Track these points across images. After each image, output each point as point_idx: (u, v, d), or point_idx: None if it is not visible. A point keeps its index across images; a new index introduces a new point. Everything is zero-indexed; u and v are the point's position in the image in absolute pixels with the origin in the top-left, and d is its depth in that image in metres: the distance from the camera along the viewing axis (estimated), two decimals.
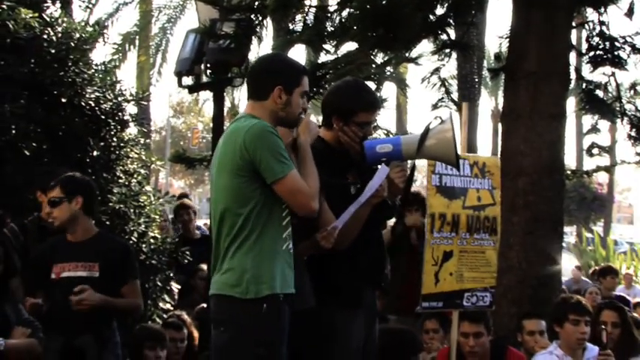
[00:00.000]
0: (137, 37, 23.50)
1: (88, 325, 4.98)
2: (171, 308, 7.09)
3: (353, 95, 4.44)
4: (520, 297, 7.26)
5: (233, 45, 7.87)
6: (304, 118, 4.18)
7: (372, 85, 9.61)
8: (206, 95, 32.28)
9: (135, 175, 7.25)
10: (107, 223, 6.39)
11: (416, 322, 6.83)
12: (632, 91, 9.72)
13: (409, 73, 34.30)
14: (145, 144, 8.00)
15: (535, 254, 7.34)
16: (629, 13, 8.06)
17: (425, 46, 18.86)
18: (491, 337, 6.06)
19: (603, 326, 5.93)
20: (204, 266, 8.25)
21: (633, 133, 8.54)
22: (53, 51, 6.66)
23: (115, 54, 21.39)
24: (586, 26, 8.35)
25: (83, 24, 7.49)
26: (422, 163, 5.52)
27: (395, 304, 7.19)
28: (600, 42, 8.21)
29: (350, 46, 8.67)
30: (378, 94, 10.81)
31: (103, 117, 6.90)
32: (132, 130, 7.54)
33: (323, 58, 9.34)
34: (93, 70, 7.06)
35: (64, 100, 6.59)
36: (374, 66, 9.26)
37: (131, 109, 7.40)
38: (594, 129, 11.00)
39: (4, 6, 6.47)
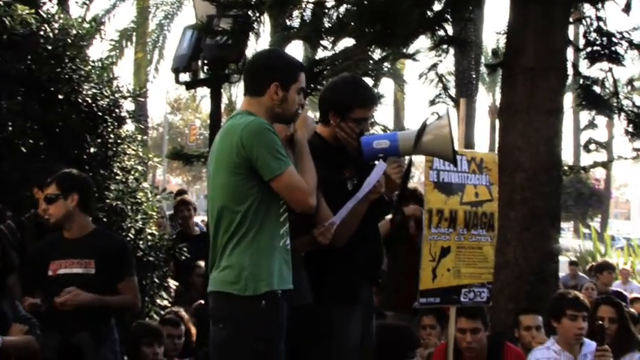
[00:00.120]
0: (134, 33, 23.49)
1: (86, 322, 4.97)
2: (169, 305, 7.08)
3: (350, 91, 4.44)
4: (517, 293, 7.27)
5: (230, 41, 7.87)
6: (301, 114, 4.18)
7: (369, 81, 9.59)
8: (203, 91, 32.19)
9: (132, 172, 7.24)
10: (104, 219, 6.38)
11: (413, 318, 6.84)
12: (629, 87, 9.74)
13: (407, 69, 34.35)
14: (142, 140, 7.98)
15: (532, 250, 7.34)
16: (627, 8, 8.06)
17: (422, 42, 18.84)
18: (489, 332, 6.06)
19: (601, 322, 5.93)
20: (202, 263, 8.26)
21: (630, 129, 8.54)
22: (50, 47, 6.65)
23: (112, 50, 21.34)
24: (583, 22, 8.34)
25: (80, 20, 7.47)
26: (420, 159, 5.51)
27: (392, 298, 7.19)
28: (597, 37, 8.21)
29: (347, 42, 8.67)
30: (376, 90, 10.79)
31: (100, 113, 6.89)
32: (129, 126, 7.53)
33: (320, 54, 9.37)
34: (90, 67, 7.05)
35: (60, 96, 6.59)
36: (371, 62, 9.26)
37: (128, 105, 7.39)
38: (591, 125, 11.07)
39: (0, 2, 6.46)
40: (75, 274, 5.01)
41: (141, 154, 7.50)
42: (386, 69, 14.89)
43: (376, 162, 4.27)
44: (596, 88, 8.60)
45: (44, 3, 7.27)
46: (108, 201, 6.52)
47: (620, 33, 8.14)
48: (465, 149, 6.33)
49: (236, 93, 35.99)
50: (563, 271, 12.48)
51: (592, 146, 10.34)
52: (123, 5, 23.88)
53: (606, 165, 16.46)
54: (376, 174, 4.22)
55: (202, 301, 7.40)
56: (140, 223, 6.86)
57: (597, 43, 8.22)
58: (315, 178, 4.01)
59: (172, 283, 7.34)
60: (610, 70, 8.48)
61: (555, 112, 7.50)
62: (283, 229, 4.00)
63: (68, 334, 4.96)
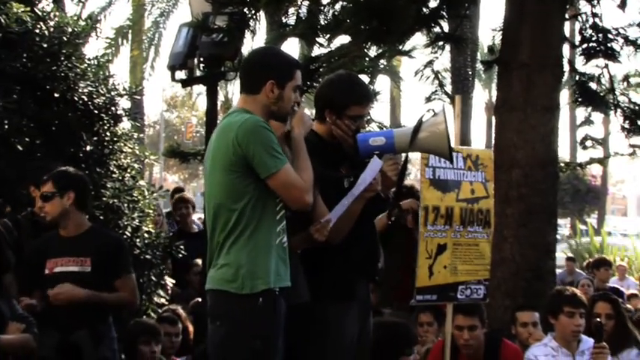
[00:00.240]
0: (130, 31, 23.50)
1: (84, 320, 4.98)
2: (166, 303, 7.08)
3: (346, 88, 4.43)
4: (514, 289, 7.27)
5: (226, 39, 7.85)
6: (298, 111, 4.17)
7: (365, 78, 9.60)
8: (200, 89, 32.26)
9: (128, 170, 7.24)
10: (101, 217, 6.38)
11: (410, 315, 6.84)
12: (625, 83, 9.73)
13: (403, 66, 34.38)
14: (138, 138, 7.98)
15: (529, 246, 7.35)
16: (622, 4, 8.06)
17: (418, 39, 18.82)
18: (486, 329, 6.06)
19: (599, 319, 5.94)
20: (199, 261, 8.25)
21: (626, 125, 8.54)
22: (45, 45, 6.65)
23: (107, 48, 21.37)
24: (579, 18, 8.35)
25: (75, 18, 7.48)
26: (416, 156, 5.52)
27: (389, 294, 7.19)
28: (593, 34, 8.22)
29: (343, 39, 8.67)
30: (372, 87, 10.79)
31: (96, 111, 6.89)
32: (125, 124, 7.53)
33: (316, 51, 9.34)
34: (86, 65, 7.04)
35: (56, 94, 6.58)
36: (367, 59, 9.26)
37: (124, 103, 7.39)
38: (588, 121, 11.02)
39: None
40: (71, 272, 5.01)
41: (137, 151, 7.50)
42: (382, 66, 14.85)
43: (371, 159, 4.27)
44: (593, 85, 8.60)
45: (40, 1, 7.27)
46: (104, 199, 6.52)
47: (616, 29, 8.15)
48: (460, 146, 6.34)
49: (232, 90, 36.00)
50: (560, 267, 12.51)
51: (588, 143, 10.29)
52: (118, 3, 23.97)
53: (603, 161, 16.47)
54: (372, 171, 4.22)
55: (199, 299, 7.40)
56: (137, 221, 6.86)
57: (593, 39, 8.22)
58: (312, 175, 4.00)
59: (169, 281, 7.34)
60: (606, 66, 8.48)
61: (551, 109, 7.50)
62: (280, 227, 4.00)
63: (66, 333, 4.97)
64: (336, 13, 8.04)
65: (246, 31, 7.97)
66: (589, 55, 8.30)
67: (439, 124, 4.31)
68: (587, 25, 8.23)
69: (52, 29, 6.80)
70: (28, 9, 6.60)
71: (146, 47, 24.55)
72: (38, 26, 6.70)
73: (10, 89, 6.30)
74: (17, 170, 6.07)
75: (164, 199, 9.22)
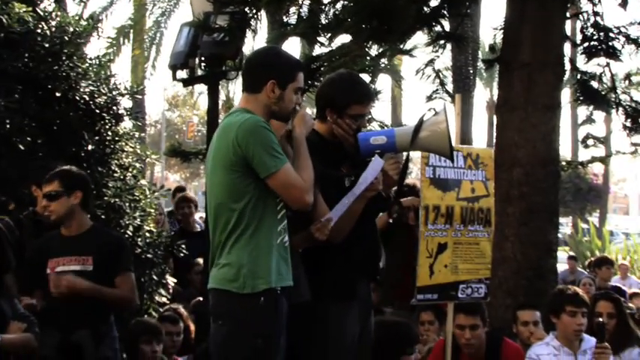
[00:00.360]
0: (131, 30, 23.47)
1: (85, 320, 4.98)
2: (167, 302, 7.08)
3: (346, 88, 4.44)
4: (515, 288, 7.27)
5: (227, 38, 7.87)
6: (299, 111, 4.18)
7: (366, 77, 9.61)
8: (201, 88, 32.21)
9: (130, 169, 7.24)
10: (102, 217, 6.38)
11: (412, 314, 6.84)
12: (626, 82, 9.74)
13: (404, 65, 34.34)
14: (140, 137, 7.98)
15: (530, 245, 7.34)
16: (623, 3, 8.05)
17: (419, 38, 18.83)
18: (487, 328, 6.06)
19: (601, 319, 5.94)
20: (201, 260, 8.26)
21: (628, 124, 8.54)
22: (47, 45, 6.65)
23: (109, 48, 21.35)
24: (580, 17, 8.34)
25: (77, 18, 7.48)
26: (417, 155, 5.52)
27: (390, 293, 7.20)
28: (595, 33, 8.21)
29: (344, 38, 8.68)
30: (373, 87, 10.79)
31: (97, 111, 6.89)
32: (127, 123, 7.53)
33: (317, 50, 9.37)
34: (87, 64, 7.04)
35: (58, 94, 6.58)
36: (368, 58, 9.27)
37: (126, 102, 7.39)
38: (589, 120, 11.02)
39: None
40: (73, 271, 5.01)
41: (139, 151, 7.50)
42: (383, 65, 14.84)
43: (373, 158, 4.27)
44: (594, 83, 8.59)
45: (41, 1, 7.27)
46: (106, 198, 6.52)
47: (618, 28, 8.13)
48: (461, 145, 6.34)
49: (233, 90, 36.02)
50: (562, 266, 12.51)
51: (590, 141, 10.29)
52: (120, 3, 23.93)
53: (604, 160, 16.50)
54: (373, 170, 4.23)
55: (201, 298, 7.41)
56: (138, 220, 6.86)
57: (594, 38, 8.21)
58: (312, 175, 4.01)
59: (171, 280, 7.34)
60: (607, 65, 8.47)
61: (553, 108, 7.50)
62: (281, 227, 4.01)
63: (67, 332, 4.97)
64: (337, 12, 8.04)
65: (247, 30, 7.98)
66: (590, 53, 8.29)
67: (440, 123, 4.31)
68: (589, 24, 8.22)
69: (53, 29, 6.80)
70: (30, 9, 6.61)
71: (147, 47, 24.52)
72: (40, 26, 6.70)
73: (12, 89, 6.30)
74: (19, 170, 6.07)
75: (165, 198, 9.23)
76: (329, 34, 8.34)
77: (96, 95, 6.89)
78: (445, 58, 16.80)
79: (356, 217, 4.28)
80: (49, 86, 6.57)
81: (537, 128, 7.38)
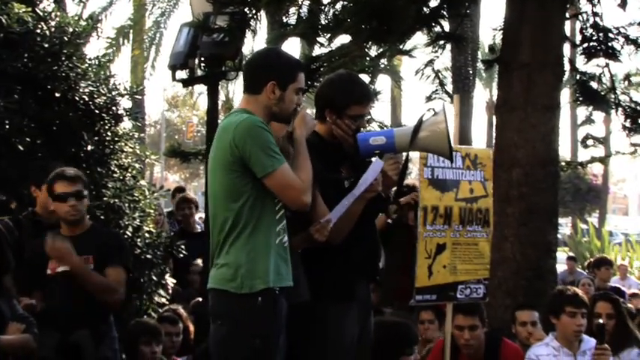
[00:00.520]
0: (131, 31, 23.49)
1: (84, 320, 4.99)
2: (167, 302, 7.08)
3: (346, 88, 4.44)
4: (515, 289, 7.28)
5: (227, 38, 7.88)
6: (300, 112, 4.18)
7: (366, 77, 9.62)
8: (201, 88, 32.23)
9: (129, 170, 7.23)
10: (102, 217, 6.38)
11: (411, 314, 6.84)
12: (626, 82, 9.74)
13: (403, 65, 34.36)
14: (139, 138, 7.96)
15: (530, 246, 7.35)
16: (623, 3, 8.07)
17: (419, 39, 18.84)
18: (486, 329, 6.06)
19: (601, 320, 5.94)
20: (199, 261, 8.25)
21: (628, 124, 8.55)
22: (47, 45, 6.64)
23: (108, 48, 21.38)
24: (580, 17, 8.36)
25: (77, 18, 7.46)
26: (417, 155, 5.52)
27: (390, 293, 7.20)
28: (594, 33, 8.22)
29: (344, 38, 8.68)
30: (372, 87, 10.80)
31: (97, 111, 6.88)
32: (126, 124, 7.51)
33: (317, 51, 9.36)
34: (87, 65, 7.03)
35: (57, 94, 6.57)
36: (368, 58, 9.28)
37: (125, 103, 7.37)
38: (589, 120, 11.01)
39: None
40: None
41: (138, 151, 7.49)
42: (382, 65, 14.84)
43: (372, 159, 4.27)
44: (593, 84, 8.61)
45: (41, 1, 7.26)
46: (105, 199, 6.51)
47: (617, 28, 8.15)
48: (459, 145, 6.34)
49: (233, 90, 36.01)
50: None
51: (589, 142, 10.29)
52: (119, 3, 23.97)
53: (604, 160, 16.50)
54: (373, 171, 4.23)
55: (200, 299, 7.40)
56: (138, 220, 6.85)
57: (594, 38, 8.23)
58: (311, 176, 4.01)
59: (170, 281, 7.33)
60: (607, 65, 8.49)
61: (552, 108, 7.51)
62: (280, 227, 4.01)
63: (67, 333, 4.97)
64: (336, 12, 8.05)
65: (246, 30, 8.00)
66: (590, 54, 8.30)
67: (439, 123, 4.31)
68: (588, 25, 8.24)
69: (53, 29, 6.79)
70: (29, 9, 6.60)
71: (147, 47, 24.53)
72: (39, 26, 6.69)
73: (11, 89, 6.29)
74: (18, 170, 6.07)
75: (165, 198, 9.22)
76: (329, 35, 8.34)
77: (95, 95, 6.88)
78: (445, 59, 16.84)
79: (355, 218, 4.28)
80: (49, 86, 6.56)
81: (537, 128, 7.39)
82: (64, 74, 6.68)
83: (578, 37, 8.46)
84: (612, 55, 8.22)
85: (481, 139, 38.11)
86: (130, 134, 7.39)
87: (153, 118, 51.32)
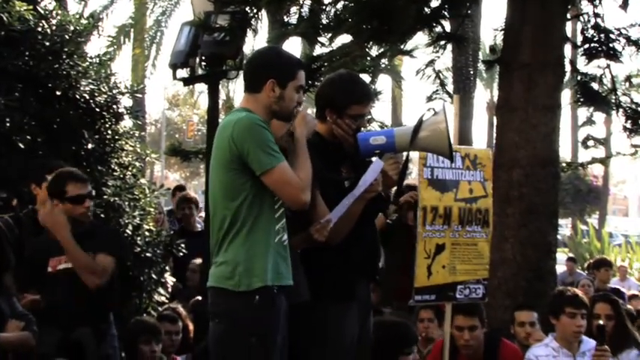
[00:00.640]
0: (132, 29, 23.51)
1: (86, 318, 5.00)
2: (166, 301, 7.08)
3: (346, 88, 4.43)
4: (514, 289, 7.28)
5: (228, 38, 7.88)
6: (300, 112, 4.18)
7: (366, 77, 9.62)
8: (201, 87, 32.25)
9: (130, 168, 7.23)
10: (102, 215, 6.38)
11: (411, 314, 6.84)
12: (627, 83, 9.73)
13: (404, 65, 34.36)
14: (140, 136, 7.98)
15: (530, 246, 7.35)
16: (624, 4, 8.07)
17: (420, 39, 18.87)
18: (485, 329, 6.06)
19: (601, 321, 5.94)
20: (199, 260, 8.25)
21: (628, 125, 8.55)
22: (48, 44, 6.64)
23: (109, 46, 21.34)
24: (581, 18, 8.35)
25: (78, 16, 7.46)
26: (417, 155, 5.51)
27: (390, 293, 7.21)
28: (595, 34, 8.22)
29: (345, 38, 8.69)
30: (373, 87, 10.81)
31: (97, 110, 6.88)
32: (127, 122, 7.52)
33: (318, 50, 9.36)
34: (87, 63, 7.03)
35: (58, 92, 6.57)
36: (369, 58, 9.27)
37: (126, 101, 7.37)
38: (589, 121, 11.03)
39: None
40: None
41: (138, 150, 7.49)
42: (383, 65, 14.85)
43: (373, 159, 4.27)
44: (594, 85, 8.61)
45: None
46: (105, 197, 6.51)
47: (618, 29, 8.15)
48: (459, 145, 6.33)
49: (234, 89, 36.08)
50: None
51: (590, 142, 10.30)
52: (120, 1, 24.12)
53: (604, 161, 16.50)
54: (373, 171, 4.23)
55: (199, 297, 7.41)
56: (138, 219, 6.85)
57: (595, 39, 8.23)
58: (310, 175, 4.00)
59: (170, 279, 7.34)
60: (608, 66, 8.49)
61: (553, 109, 7.51)
62: (279, 225, 4.01)
63: (68, 331, 4.98)
64: (337, 12, 8.05)
65: (247, 30, 7.99)
66: (591, 55, 8.30)
67: (440, 123, 4.31)
68: (589, 26, 8.24)
69: (54, 27, 6.79)
70: (31, 7, 6.60)
71: (148, 46, 24.55)
72: (40, 24, 6.70)
73: (12, 87, 6.30)
74: (19, 168, 6.07)
75: (165, 197, 9.22)
76: (329, 34, 8.35)
77: (96, 94, 6.88)
78: (445, 59, 16.80)
79: (355, 218, 4.28)
80: (50, 85, 6.56)
81: (537, 129, 7.39)
82: (64, 72, 6.68)
83: (580, 38, 8.46)
84: (613, 56, 8.22)
85: (481, 140, 38.12)
86: (131, 133, 7.40)
87: (153, 116, 51.36)
